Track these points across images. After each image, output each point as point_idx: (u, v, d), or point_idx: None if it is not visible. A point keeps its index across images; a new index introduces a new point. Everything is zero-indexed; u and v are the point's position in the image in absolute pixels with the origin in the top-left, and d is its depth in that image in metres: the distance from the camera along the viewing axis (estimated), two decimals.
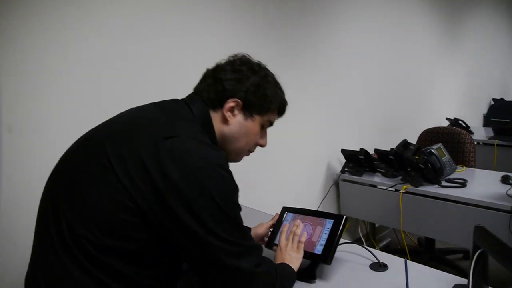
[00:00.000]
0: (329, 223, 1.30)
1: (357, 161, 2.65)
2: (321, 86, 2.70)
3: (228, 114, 1.02)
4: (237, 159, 1.12)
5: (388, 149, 2.56)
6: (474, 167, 2.69)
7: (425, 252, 2.75)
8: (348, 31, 2.88)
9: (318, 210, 1.44)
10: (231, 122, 1.03)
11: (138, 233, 0.84)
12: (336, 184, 2.81)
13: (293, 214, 1.42)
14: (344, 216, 1.29)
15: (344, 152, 2.68)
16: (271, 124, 1.12)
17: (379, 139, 3.18)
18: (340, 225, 1.27)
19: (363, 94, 3.09)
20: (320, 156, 2.76)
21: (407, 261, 1.18)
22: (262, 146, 1.13)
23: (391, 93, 3.43)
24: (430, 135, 2.94)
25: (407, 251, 2.46)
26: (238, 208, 0.93)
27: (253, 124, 1.06)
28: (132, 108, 1.04)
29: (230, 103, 1.01)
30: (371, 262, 1.36)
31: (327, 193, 2.78)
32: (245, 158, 2.27)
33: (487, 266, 1.09)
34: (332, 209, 2.84)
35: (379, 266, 1.32)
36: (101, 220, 0.84)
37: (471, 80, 4.96)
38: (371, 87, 3.18)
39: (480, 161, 2.89)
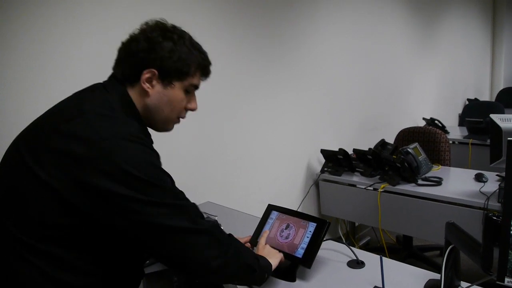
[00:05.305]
0: (311, 226, 1.31)
1: (336, 161, 2.68)
2: (301, 86, 2.73)
3: (146, 86, 0.98)
4: (167, 127, 1.09)
5: (366, 149, 2.61)
6: (450, 166, 2.76)
7: (403, 250, 2.81)
8: (326, 32, 2.92)
9: (300, 211, 1.45)
10: (151, 93, 0.99)
11: (68, 219, 0.85)
12: (316, 184, 2.84)
13: (278, 212, 1.44)
14: (328, 222, 1.30)
15: (324, 152, 2.71)
16: (196, 87, 1.07)
17: (358, 139, 3.23)
18: (323, 232, 1.28)
19: (342, 95, 3.13)
20: (300, 156, 2.78)
21: (384, 258, 1.21)
22: (192, 110, 1.08)
23: (369, 94, 3.49)
24: (407, 135, 3.00)
25: (386, 249, 2.51)
26: (156, 171, 0.89)
27: (174, 92, 1.01)
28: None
29: (146, 75, 0.97)
30: (349, 259, 1.38)
31: (307, 192, 2.80)
32: (226, 159, 2.28)
33: (459, 261, 1.12)
34: (312, 209, 2.87)
35: (356, 264, 1.35)
36: (32, 216, 0.86)
37: (447, 81, 5.08)
38: (350, 88, 3.22)
39: (455, 160, 2.96)
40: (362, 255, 1.40)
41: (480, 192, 2.08)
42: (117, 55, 1.02)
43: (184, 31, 1.04)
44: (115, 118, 0.91)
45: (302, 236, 1.31)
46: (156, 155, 0.92)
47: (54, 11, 1.52)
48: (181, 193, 0.95)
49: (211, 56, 1.08)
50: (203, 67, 1.05)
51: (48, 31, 1.51)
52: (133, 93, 1.00)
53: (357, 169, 2.65)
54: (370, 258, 1.37)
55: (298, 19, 2.65)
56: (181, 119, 1.09)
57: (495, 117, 1.94)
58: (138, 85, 0.99)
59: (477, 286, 1.13)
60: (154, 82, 0.99)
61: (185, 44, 1.00)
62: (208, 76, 1.08)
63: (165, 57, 0.97)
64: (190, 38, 1.03)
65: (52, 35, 1.52)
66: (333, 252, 1.45)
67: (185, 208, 0.92)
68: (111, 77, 1.03)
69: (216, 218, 1.61)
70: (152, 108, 1.01)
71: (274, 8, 2.47)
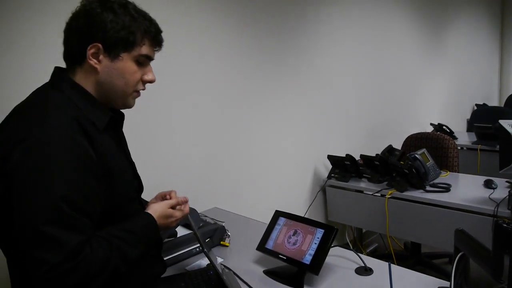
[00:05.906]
0: (319, 232, 1.31)
1: (343, 167, 2.67)
2: (308, 93, 2.73)
3: (93, 62, 0.94)
4: (126, 103, 1.04)
5: (373, 154, 2.59)
6: (458, 172, 2.74)
7: (411, 257, 2.78)
8: (334, 39, 2.92)
9: (307, 217, 1.46)
10: (100, 68, 0.95)
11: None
12: (323, 189, 2.83)
13: (285, 219, 1.43)
14: (336, 228, 1.30)
15: (331, 158, 2.71)
16: (149, 58, 1.02)
17: (365, 145, 3.22)
18: (331, 238, 1.28)
19: (349, 100, 3.13)
20: (307, 162, 2.78)
21: (392, 265, 1.20)
22: (150, 82, 1.03)
23: (377, 100, 3.48)
24: (415, 141, 2.98)
25: (394, 256, 2.49)
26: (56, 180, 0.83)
27: (123, 64, 0.97)
28: None
29: (90, 50, 0.93)
30: (357, 266, 1.37)
31: (314, 198, 2.79)
32: (233, 165, 2.28)
33: (468, 268, 1.11)
34: (319, 215, 2.86)
35: (364, 270, 1.34)
36: None
37: (455, 86, 5.05)
38: (357, 94, 3.22)
39: (463, 166, 2.93)
40: (370, 262, 1.39)
41: (490, 198, 2.06)
42: (63, 37, 0.97)
43: (128, 0, 0.98)
44: (41, 117, 0.88)
45: (310, 242, 1.30)
46: (69, 149, 0.86)
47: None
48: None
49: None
50: (152, 35, 0.99)
51: None
52: (83, 73, 0.97)
53: (364, 175, 2.64)
54: (378, 265, 1.36)
55: (306, 25, 2.66)
56: (141, 91, 1.04)
57: (504, 122, 1.93)
58: (86, 63, 0.95)
59: None
60: (101, 57, 0.94)
61: (128, 13, 0.95)
62: (160, 45, 1.03)
63: (106, 28, 0.92)
64: (135, 6, 0.98)
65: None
66: (341, 258, 1.44)
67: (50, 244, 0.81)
68: (54, 70, 1.00)
69: (223, 224, 1.62)
70: (105, 84, 0.97)
71: (283, 14, 2.48)
